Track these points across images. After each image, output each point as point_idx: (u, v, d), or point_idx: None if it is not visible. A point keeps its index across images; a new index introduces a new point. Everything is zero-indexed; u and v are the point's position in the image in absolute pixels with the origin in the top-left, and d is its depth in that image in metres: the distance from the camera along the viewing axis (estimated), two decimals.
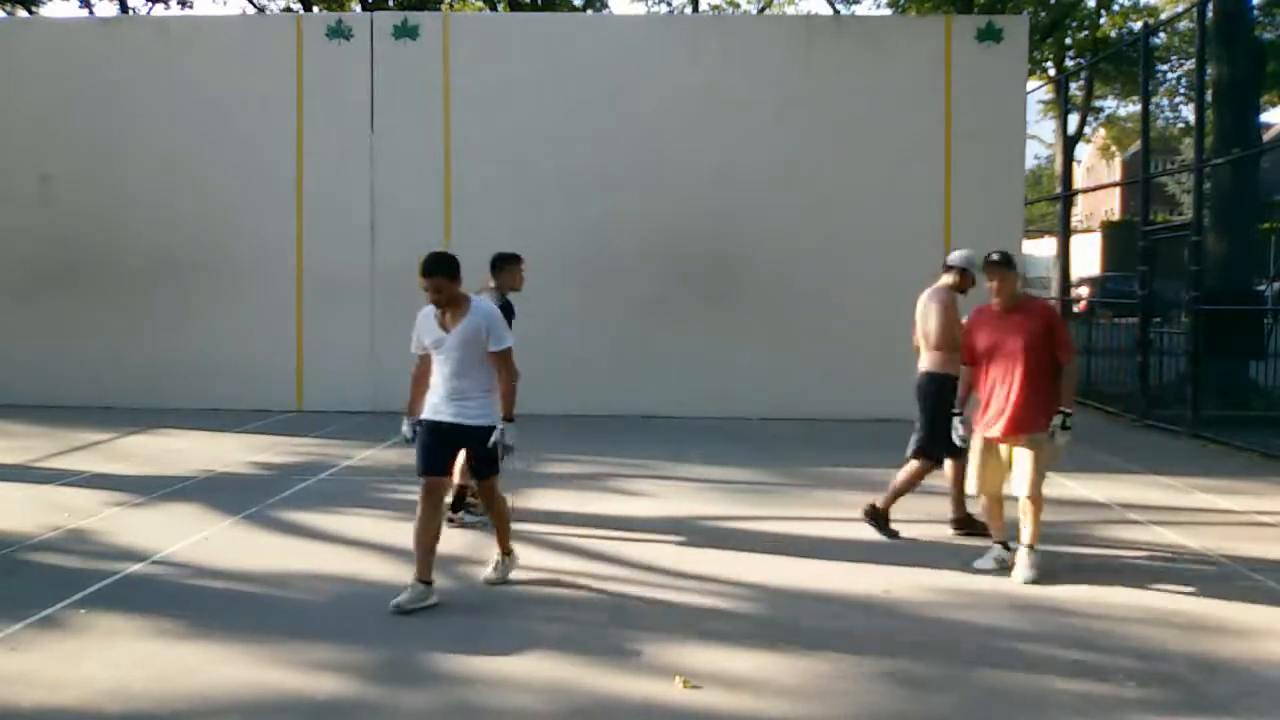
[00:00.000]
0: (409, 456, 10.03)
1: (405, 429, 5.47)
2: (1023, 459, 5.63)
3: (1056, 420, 5.56)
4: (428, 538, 5.18)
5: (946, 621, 4.97)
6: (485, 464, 5.33)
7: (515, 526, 6.80)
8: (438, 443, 5.28)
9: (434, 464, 5.29)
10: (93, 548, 6.18)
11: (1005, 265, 5.76)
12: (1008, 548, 5.85)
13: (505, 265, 7.20)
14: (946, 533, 6.74)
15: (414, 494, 7.71)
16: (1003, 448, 5.74)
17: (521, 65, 12.13)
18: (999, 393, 5.67)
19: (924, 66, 12.01)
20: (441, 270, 5.31)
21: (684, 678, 4.18)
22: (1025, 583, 5.50)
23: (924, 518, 7.10)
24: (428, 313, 5.48)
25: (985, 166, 11.90)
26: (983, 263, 5.87)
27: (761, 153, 12.07)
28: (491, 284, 7.27)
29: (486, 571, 5.59)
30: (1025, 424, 5.62)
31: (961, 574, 5.76)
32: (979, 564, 5.85)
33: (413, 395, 5.46)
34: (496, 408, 5.28)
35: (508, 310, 7.23)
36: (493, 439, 5.19)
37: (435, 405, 5.31)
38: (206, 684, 4.09)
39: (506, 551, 5.61)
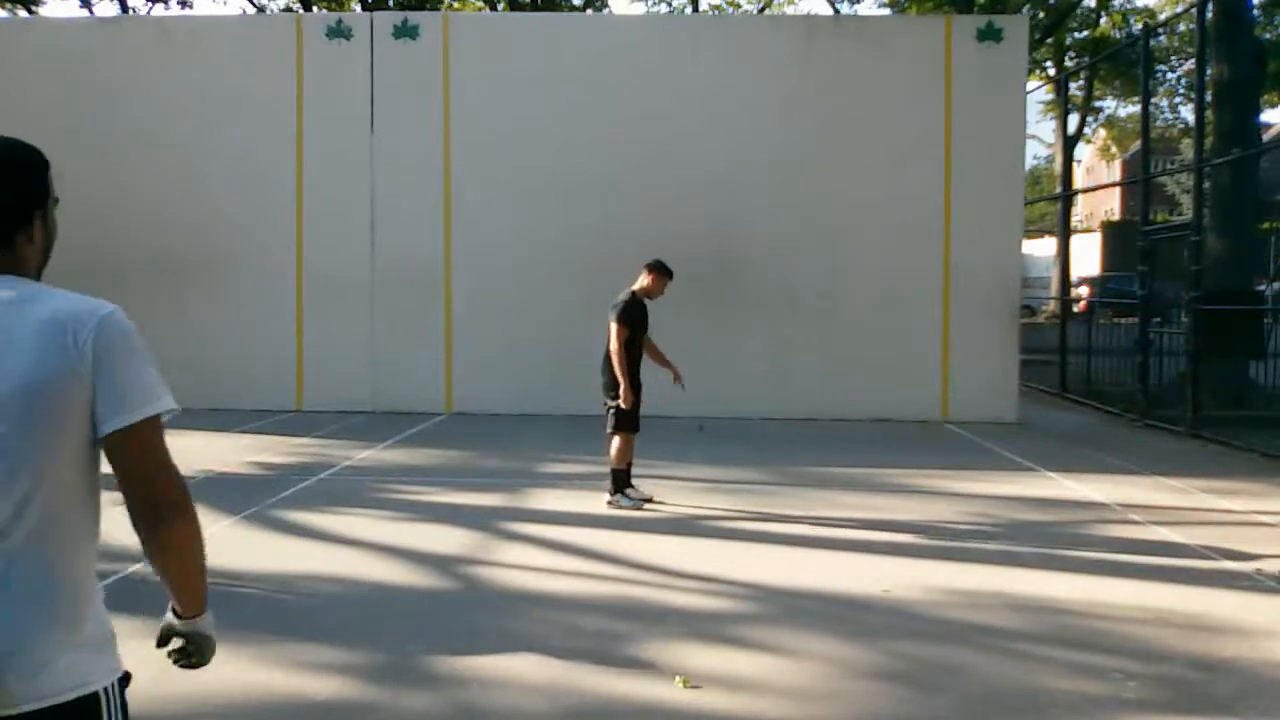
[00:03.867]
0: (410, 456, 9.98)
1: None
2: None
3: None
4: None
5: (946, 621, 4.97)
6: None
7: (519, 526, 6.82)
8: None
9: None
10: None
11: None
12: None
13: (666, 274, 7.39)
14: (942, 531, 6.73)
15: (415, 494, 7.75)
16: None
17: (521, 65, 12.13)
18: None
19: (924, 66, 12.01)
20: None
21: (684, 678, 4.18)
22: None
23: (921, 518, 7.10)
24: None
25: (985, 166, 11.90)
26: None
27: (761, 152, 12.07)
28: (642, 283, 7.36)
29: None
30: None
31: (961, 574, 5.76)
32: None
33: None
34: (99, 626, 1.75)
35: (639, 310, 7.25)
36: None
37: None
38: (207, 684, 4.09)
39: None
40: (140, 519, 1.74)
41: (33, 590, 1.64)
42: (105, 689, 1.71)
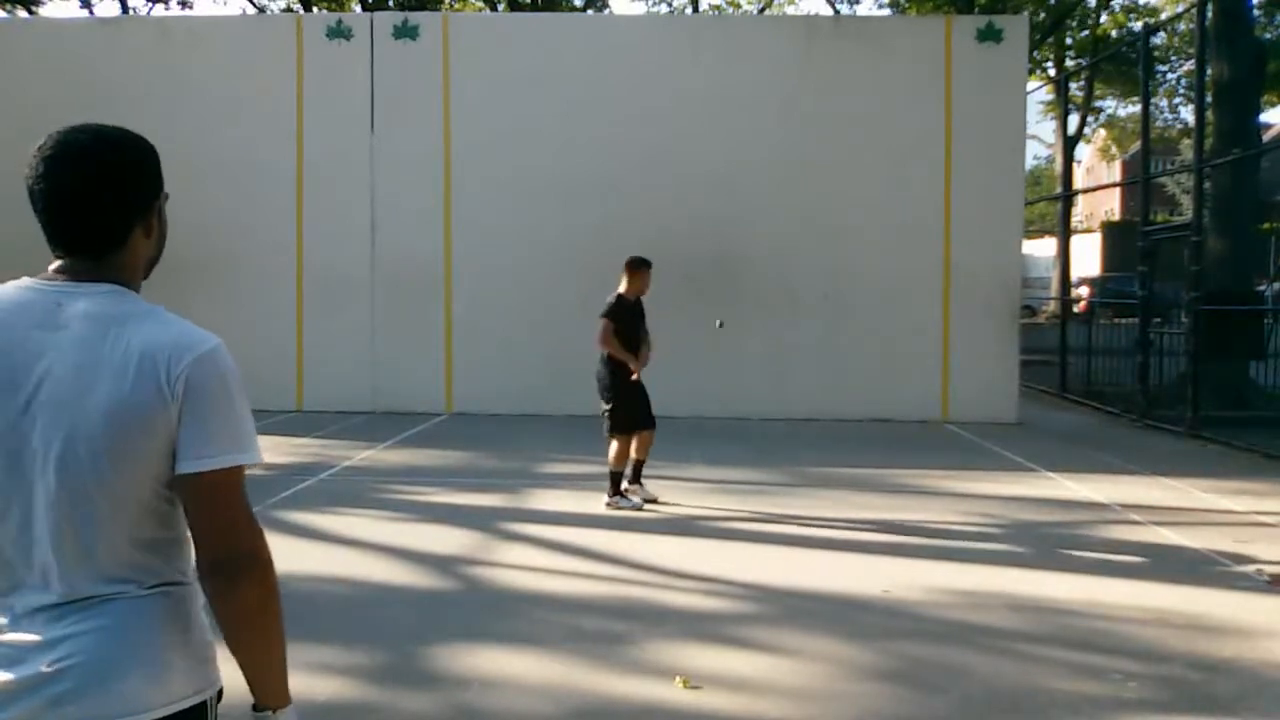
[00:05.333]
0: (411, 457, 9.99)
1: None
2: None
3: None
4: None
5: (946, 621, 4.97)
6: None
7: (519, 526, 6.82)
8: None
9: None
10: None
11: None
12: None
13: (641, 267, 7.35)
14: (942, 532, 6.73)
15: (415, 494, 7.75)
16: None
17: (521, 65, 12.12)
18: None
19: (924, 66, 12.01)
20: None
21: (684, 678, 4.18)
22: None
23: (921, 518, 7.10)
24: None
25: (985, 166, 11.89)
26: None
27: (762, 153, 12.07)
28: (625, 285, 7.31)
29: None
30: None
31: (961, 574, 5.75)
32: None
33: None
34: (196, 643, 1.69)
35: (636, 310, 7.26)
36: None
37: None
38: None
39: None
40: (205, 573, 1.60)
41: (129, 609, 1.58)
42: (209, 700, 1.69)
